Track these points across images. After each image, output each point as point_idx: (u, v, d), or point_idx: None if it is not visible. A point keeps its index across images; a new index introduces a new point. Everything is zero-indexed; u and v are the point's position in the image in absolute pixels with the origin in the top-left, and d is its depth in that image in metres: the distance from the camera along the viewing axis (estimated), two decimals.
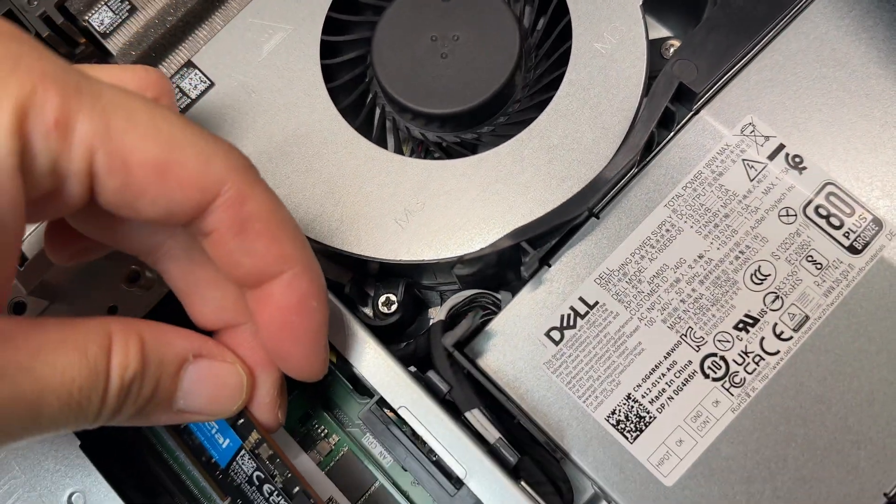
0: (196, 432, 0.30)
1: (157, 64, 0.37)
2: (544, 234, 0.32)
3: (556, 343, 0.32)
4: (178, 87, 0.36)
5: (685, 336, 0.31)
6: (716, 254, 0.32)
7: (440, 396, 0.31)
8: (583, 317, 0.32)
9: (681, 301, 0.31)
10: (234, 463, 0.29)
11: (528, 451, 0.31)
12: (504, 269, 0.34)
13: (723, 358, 0.31)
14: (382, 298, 0.36)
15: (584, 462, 0.30)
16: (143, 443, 0.34)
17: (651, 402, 0.30)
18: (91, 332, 0.23)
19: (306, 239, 0.26)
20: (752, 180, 0.33)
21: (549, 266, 0.33)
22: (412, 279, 0.36)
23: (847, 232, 0.32)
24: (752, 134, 0.33)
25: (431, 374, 0.31)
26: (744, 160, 0.33)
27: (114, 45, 0.36)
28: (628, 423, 0.30)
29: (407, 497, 0.35)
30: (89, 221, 0.26)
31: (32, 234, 0.33)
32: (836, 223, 0.32)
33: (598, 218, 0.33)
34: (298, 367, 0.27)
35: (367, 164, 0.34)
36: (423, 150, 0.37)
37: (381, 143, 0.35)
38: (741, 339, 0.31)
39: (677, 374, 0.31)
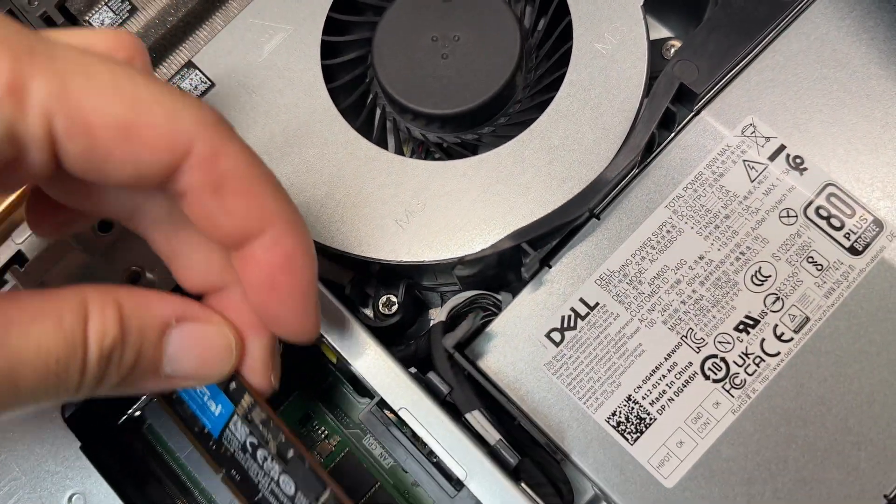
0: (188, 401, 0.29)
1: (157, 64, 0.37)
2: (545, 234, 0.32)
3: (557, 344, 0.31)
4: (178, 87, 0.36)
5: (686, 337, 0.31)
6: (716, 255, 0.32)
7: (440, 398, 0.31)
8: (583, 318, 0.32)
9: (681, 302, 0.31)
10: (227, 430, 0.27)
11: (529, 452, 0.31)
12: (505, 270, 0.34)
13: (723, 359, 0.31)
14: (383, 299, 0.36)
15: (585, 463, 0.30)
16: (144, 444, 0.35)
17: (651, 403, 0.30)
18: (66, 301, 0.22)
19: (288, 195, 0.25)
20: (752, 181, 0.33)
21: (550, 267, 0.32)
22: (413, 280, 0.36)
23: (848, 233, 0.32)
24: (753, 135, 0.33)
25: (432, 376, 0.31)
26: (744, 161, 0.33)
27: None
28: (629, 425, 0.30)
29: (407, 499, 0.35)
30: (62, 188, 0.25)
31: (32, 235, 0.33)
32: (837, 224, 0.32)
33: (598, 219, 0.33)
34: (289, 327, 0.26)
35: (368, 165, 0.34)
36: (424, 150, 0.37)
37: (382, 143, 0.35)
38: (742, 341, 0.31)
39: (678, 376, 0.31)
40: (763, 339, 0.31)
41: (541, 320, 0.32)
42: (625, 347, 0.31)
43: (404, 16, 0.36)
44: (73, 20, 0.37)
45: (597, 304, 0.32)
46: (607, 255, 0.32)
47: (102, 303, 0.23)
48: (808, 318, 0.31)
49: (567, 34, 0.35)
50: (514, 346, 0.32)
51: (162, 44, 0.37)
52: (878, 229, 0.32)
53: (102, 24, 0.36)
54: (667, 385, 0.31)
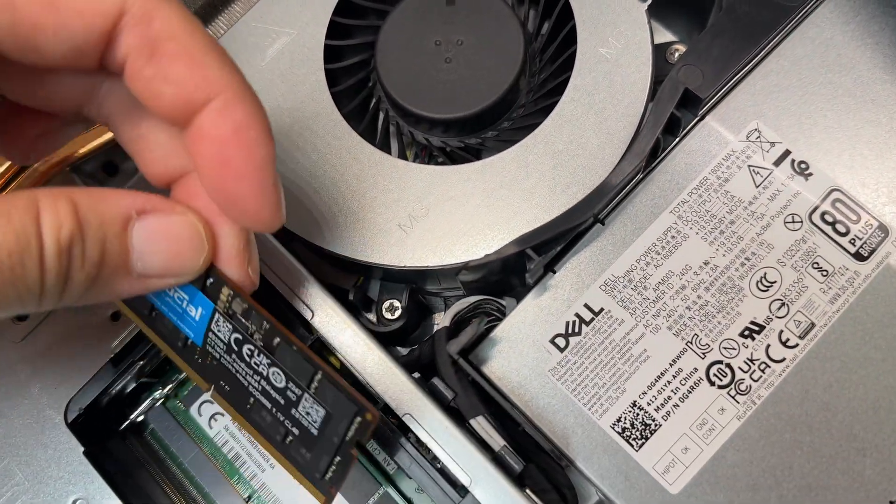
0: (167, 312, 0.27)
1: None
2: (549, 240, 0.32)
3: (561, 350, 0.31)
4: None
5: (691, 343, 0.31)
6: (721, 260, 0.32)
7: (445, 403, 0.30)
8: (588, 324, 0.32)
9: (686, 308, 0.31)
10: (210, 334, 0.26)
11: (534, 458, 0.31)
12: (509, 275, 0.34)
13: (728, 365, 0.31)
14: (386, 304, 0.36)
15: (590, 470, 0.30)
16: (147, 450, 0.34)
17: (657, 409, 0.30)
18: (14, 200, 0.22)
19: (237, 66, 0.24)
20: (757, 186, 0.32)
21: (554, 272, 0.32)
22: (416, 285, 0.36)
23: (853, 239, 0.31)
24: (758, 140, 0.33)
25: (436, 381, 0.31)
26: (749, 166, 0.33)
27: None
28: (634, 431, 0.30)
29: None
30: (7, 80, 0.25)
31: None
32: (842, 230, 0.32)
33: (603, 224, 0.33)
34: (247, 211, 0.24)
35: (371, 170, 0.34)
36: (427, 155, 0.37)
37: (385, 147, 0.35)
38: (747, 347, 0.31)
39: (683, 382, 0.31)
40: (768, 345, 0.31)
41: (545, 326, 0.32)
42: (630, 353, 0.31)
43: (407, 20, 0.36)
44: None
45: (601, 309, 0.32)
46: (612, 261, 0.32)
47: (54, 199, 0.22)
48: (813, 324, 0.31)
49: (571, 38, 0.35)
50: (519, 352, 0.32)
51: None
52: (883, 235, 0.31)
53: None
54: (672, 391, 0.31)
